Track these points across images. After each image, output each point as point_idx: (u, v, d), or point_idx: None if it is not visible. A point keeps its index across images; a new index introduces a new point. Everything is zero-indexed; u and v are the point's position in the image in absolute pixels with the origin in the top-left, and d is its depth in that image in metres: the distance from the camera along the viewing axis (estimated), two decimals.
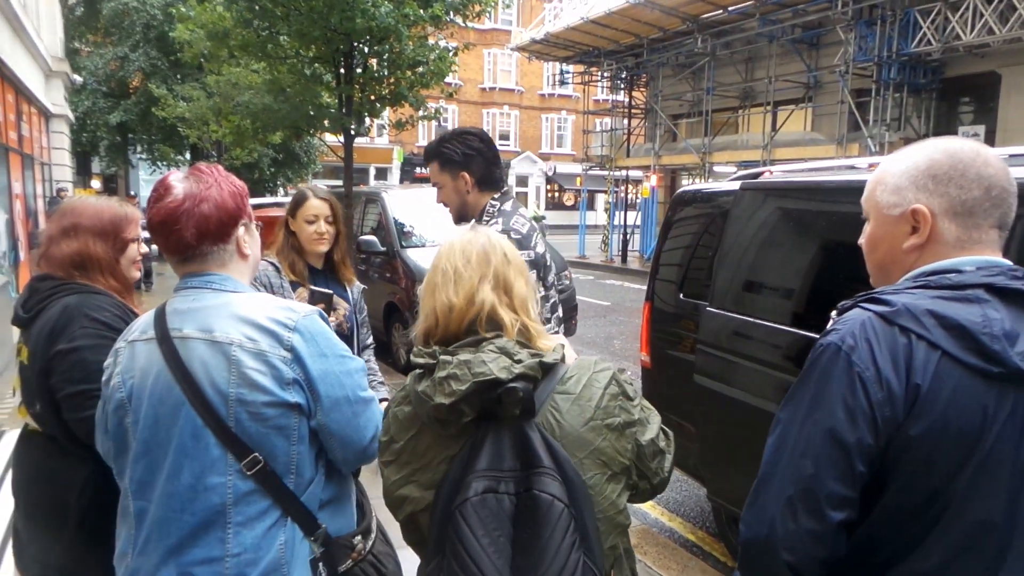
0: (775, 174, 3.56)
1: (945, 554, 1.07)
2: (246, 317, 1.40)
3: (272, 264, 2.66)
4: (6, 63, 9.22)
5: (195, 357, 1.38)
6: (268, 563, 1.37)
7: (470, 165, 2.46)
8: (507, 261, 1.32)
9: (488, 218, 2.43)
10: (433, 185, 2.59)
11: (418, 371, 1.27)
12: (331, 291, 2.50)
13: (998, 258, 1.14)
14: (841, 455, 1.06)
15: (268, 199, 19.40)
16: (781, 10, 14.77)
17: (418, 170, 34.12)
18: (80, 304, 1.78)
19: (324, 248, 2.69)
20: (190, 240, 1.43)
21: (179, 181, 1.46)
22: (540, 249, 2.44)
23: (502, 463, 1.17)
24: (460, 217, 2.51)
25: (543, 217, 24.39)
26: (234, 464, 1.36)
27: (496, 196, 2.47)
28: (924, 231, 1.16)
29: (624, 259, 20.00)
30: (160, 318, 1.45)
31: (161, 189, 1.46)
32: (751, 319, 3.17)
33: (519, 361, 1.20)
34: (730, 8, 15.29)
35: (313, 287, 2.60)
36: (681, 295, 3.85)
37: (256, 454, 1.36)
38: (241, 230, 1.51)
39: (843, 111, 13.98)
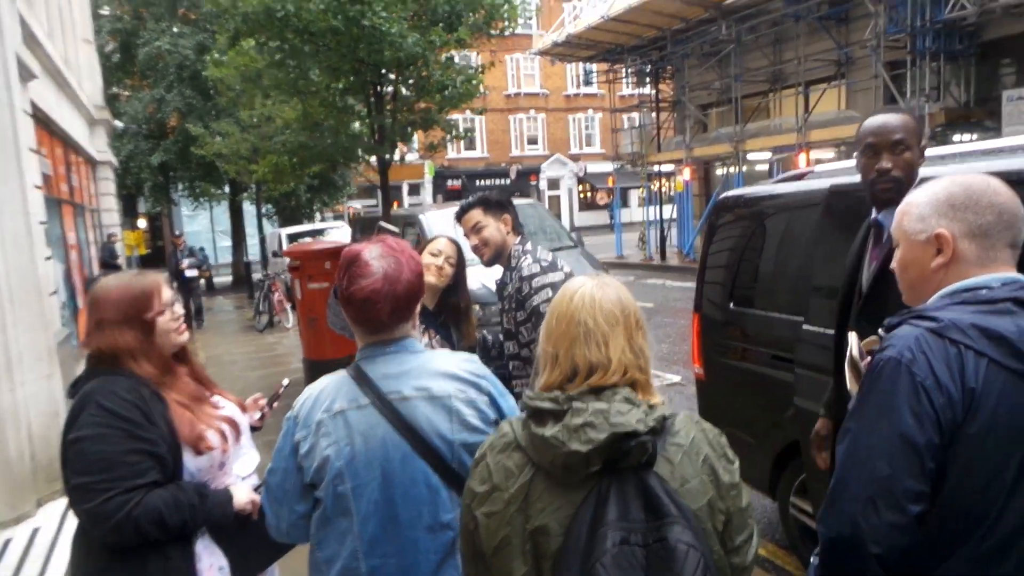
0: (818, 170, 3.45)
1: (1005, 534, 1.22)
2: (448, 372, 1.62)
3: None
4: (53, 119, 9.59)
5: (419, 414, 1.56)
6: None
7: (508, 210, 2.85)
8: (634, 315, 1.34)
9: (515, 260, 2.80)
10: (471, 231, 2.83)
11: (529, 416, 1.28)
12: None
13: (1015, 274, 1.33)
14: (914, 455, 1.21)
15: (305, 226, 19.83)
16: None
17: (450, 182, 34.36)
18: (95, 390, 1.76)
19: (430, 278, 2.75)
20: (385, 319, 1.59)
21: (375, 259, 1.58)
22: (567, 269, 2.78)
23: (630, 514, 1.19)
24: (496, 257, 2.85)
25: None
26: (457, 500, 1.55)
27: (518, 240, 2.85)
28: (948, 251, 1.35)
29: (663, 256, 19.82)
30: (367, 384, 1.58)
31: (360, 266, 1.57)
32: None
33: (647, 412, 1.23)
34: None
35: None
36: (731, 304, 3.80)
37: None
38: (418, 306, 1.67)
39: (878, 85, 13.62)
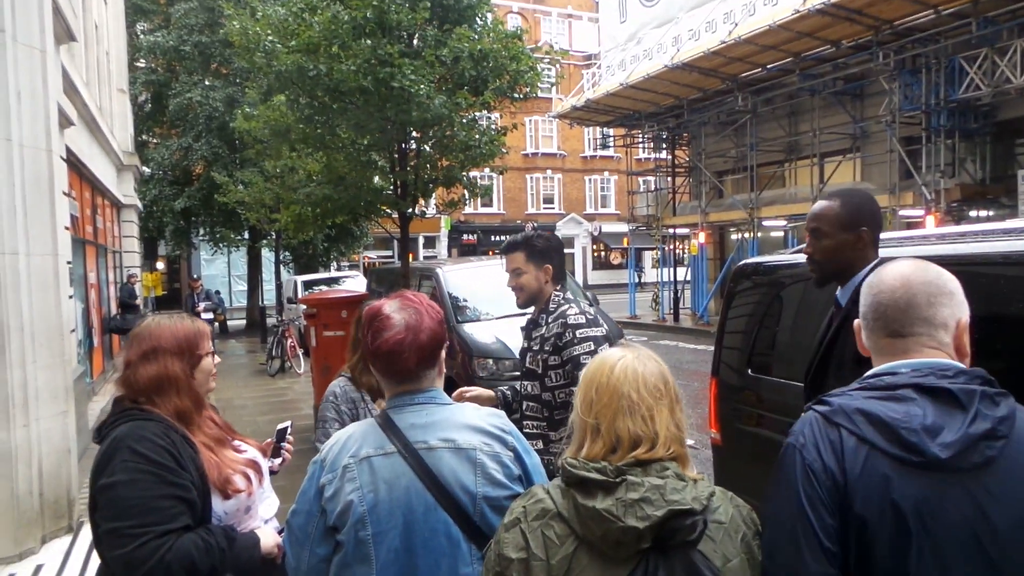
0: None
1: None
2: (474, 425, 1.64)
3: (346, 376, 2.75)
4: (85, 164, 9.88)
5: (444, 465, 1.58)
6: None
7: (553, 259, 2.87)
8: (674, 388, 1.36)
9: (555, 306, 2.84)
10: (511, 272, 2.89)
11: (571, 484, 1.27)
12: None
13: (933, 359, 1.31)
14: (814, 537, 1.22)
15: (321, 274, 20.07)
16: (821, 65, 14.81)
17: (465, 236, 34.72)
18: (126, 435, 1.77)
19: None
20: (412, 367, 1.63)
21: (396, 312, 1.64)
22: (606, 328, 2.83)
23: None
24: (529, 302, 2.92)
25: None
26: (476, 553, 1.57)
27: (558, 288, 2.89)
28: (858, 340, 1.45)
29: (676, 318, 19.78)
30: (394, 432, 1.60)
31: (382, 320, 1.63)
32: None
33: (698, 490, 1.25)
34: (769, 66, 15.41)
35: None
36: (749, 370, 3.79)
37: (491, 540, 1.52)
38: (443, 352, 1.71)
39: (893, 159, 13.78)
